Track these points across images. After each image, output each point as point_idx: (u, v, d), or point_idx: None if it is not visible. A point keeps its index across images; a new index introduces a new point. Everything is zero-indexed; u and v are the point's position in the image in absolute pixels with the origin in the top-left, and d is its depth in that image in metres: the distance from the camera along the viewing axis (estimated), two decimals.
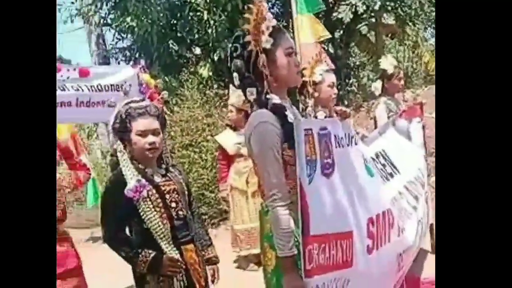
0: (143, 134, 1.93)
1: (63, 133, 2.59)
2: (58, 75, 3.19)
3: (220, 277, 2.18)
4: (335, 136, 1.59)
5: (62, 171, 2.55)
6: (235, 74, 1.65)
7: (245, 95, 1.65)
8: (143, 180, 1.91)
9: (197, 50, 7.82)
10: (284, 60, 1.64)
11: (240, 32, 1.64)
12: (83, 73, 3.36)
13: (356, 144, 1.74)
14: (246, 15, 1.60)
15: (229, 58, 1.67)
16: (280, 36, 1.64)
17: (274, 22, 1.63)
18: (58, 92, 3.19)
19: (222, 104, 6.64)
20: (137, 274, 1.97)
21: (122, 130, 1.97)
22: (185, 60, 7.66)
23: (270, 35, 1.60)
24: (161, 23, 7.14)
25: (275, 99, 1.62)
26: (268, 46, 1.60)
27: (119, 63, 8.61)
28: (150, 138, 1.94)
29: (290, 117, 1.57)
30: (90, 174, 2.73)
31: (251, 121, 1.62)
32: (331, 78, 2.98)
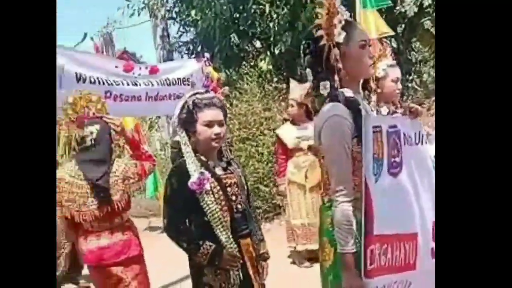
0: (209, 124, 1.94)
1: (129, 124, 2.66)
2: (130, 73, 3.37)
3: (274, 272, 2.17)
4: (404, 134, 1.55)
5: (128, 162, 2.61)
6: (308, 70, 1.65)
7: (318, 89, 1.64)
8: (206, 173, 1.91)
9: (258, 44, 7.86)
10: (357, 53, 1.62)
11: (312, 27, 1.64)
12: (153, 71, 3.53)
13: (426, 143, 1.68)
14: (318, 10, 1.59)
15: (302, 54, 1.67)
16: (353, 29, 1.63)
17: (347, 15, 1.61)
18: (130, 87, 3.38)
19: (281, 98, 6.66)
20: (195, 265, 1.98)
21: (188, 121, 1.97)
22: (245, 54, 7.73)
23: (343, 28, 1.58)
24: (224, 17, 7.20)
25: (348, 92, 1.60)
26: (340, 39, 1.58)
27: (182, 56, 8.84)
28: (216, 129, 1.95)
29: (364, 112, 1.55)
30: (155, 165, 2.75)
31: (323, 113, 1.61)
32: (395, 73, 2.89)
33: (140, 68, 3.48)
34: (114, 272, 2.45)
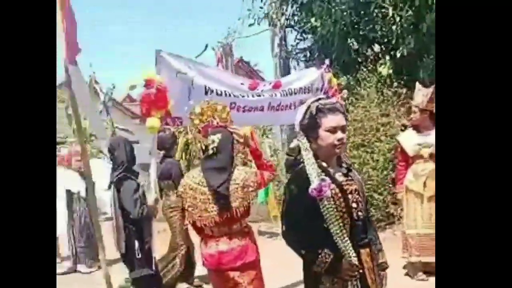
0: (332, 130, 1.89)
1: (246, 132, 2.71)
2: (255, 90, 3.56)
3: (388, 283, 2.09)
4: None
5: (248, 170, 2.67)
6: None
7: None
8: (328, 179, 1.85)
9: (376, 48, 7.65)
10: None
11: None
12: (276, 86, 3.69)
13: None
14: None
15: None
16: None
17: None
18: (255, 98, 3.58)
19: (400, 103, 6.42)
20: (311, 272, 1.93)
21: (310, 126, 1.93)
22: (363, 59, 7.58)
23: None
24: (343, 22, 7.17)
25: None
26: None
27: (298, 63, 8.97)
28: (339, 135, 1.90)
29: None
30: (274, 174, 2.74)
31: None
32: None
33: (264, 85, 3.66)
34: (231, 276, 2.54)
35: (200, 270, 4.15)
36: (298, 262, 2.01)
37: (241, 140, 2.64)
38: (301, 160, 1.94)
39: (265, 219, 6.90)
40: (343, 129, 1.94)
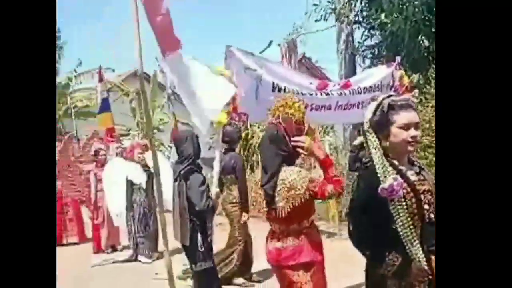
0: (405, 127, 1.83)
1: (311, 145, 2.45)
2: (323, 90, 3.52)
3: None
4: None
5: (302, 173, 2.45)
6: None
7: None
8: (399, 179, 1.78)
9: None
10: None
11: None
12: (346, 86, 3.62)
13: None
14: None
15: None
16: None
17: None
18: (323, 96, 3.52)
19: None
20: (376, 275, 1.87)
21: (381, 123, 1.87)
22: (434, 56, 7.23)
23: None
24: (414, 19, 6.88)
25: None
26: None
27: (364, 61, 8.73)
28: (412, 132, 1.84)
29: None
30: (338, 191, 2.43)
31: None
32: None
33: (334, 85, 3.62)
34: (288, 274, 2.52)
35: (263, 265, 4.14)
36: (358, 262, 1.95)
37: (305, 153, 2.46)
38: (362, 157, 1.89)
39: (323, 218, 6.81)
40: (416, 126, 1.87)
